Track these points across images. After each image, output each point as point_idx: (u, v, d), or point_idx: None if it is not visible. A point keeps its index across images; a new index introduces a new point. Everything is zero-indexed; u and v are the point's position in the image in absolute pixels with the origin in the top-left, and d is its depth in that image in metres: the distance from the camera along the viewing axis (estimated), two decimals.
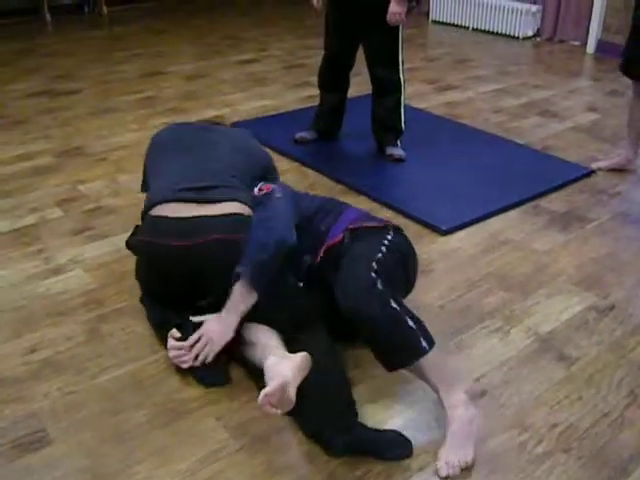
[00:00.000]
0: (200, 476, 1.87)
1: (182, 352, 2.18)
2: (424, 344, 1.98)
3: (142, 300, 2.52)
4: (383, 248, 2.22)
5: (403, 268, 2.30)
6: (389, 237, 2.31)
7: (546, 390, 2.21)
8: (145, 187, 2.68)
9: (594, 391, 2.21)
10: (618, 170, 3.85)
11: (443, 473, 1.86)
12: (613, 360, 2.35)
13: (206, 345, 2.15)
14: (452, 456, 1.89)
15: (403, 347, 1.99)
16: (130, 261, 2.73)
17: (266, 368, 1.97)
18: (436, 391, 2.01)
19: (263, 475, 1.88)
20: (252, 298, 2.16)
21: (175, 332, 2.23)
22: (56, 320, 2.53)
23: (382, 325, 1.99)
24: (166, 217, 2.29)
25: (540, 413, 2.11)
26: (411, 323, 2.00)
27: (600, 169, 3.88)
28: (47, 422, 2.05)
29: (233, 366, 2.27)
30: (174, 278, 2.27)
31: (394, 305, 2.01)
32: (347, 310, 2.05)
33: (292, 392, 1.87)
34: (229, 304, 2.16)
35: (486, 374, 2.27)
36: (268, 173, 2.73)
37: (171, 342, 2.21)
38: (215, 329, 2.15)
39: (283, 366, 1.92)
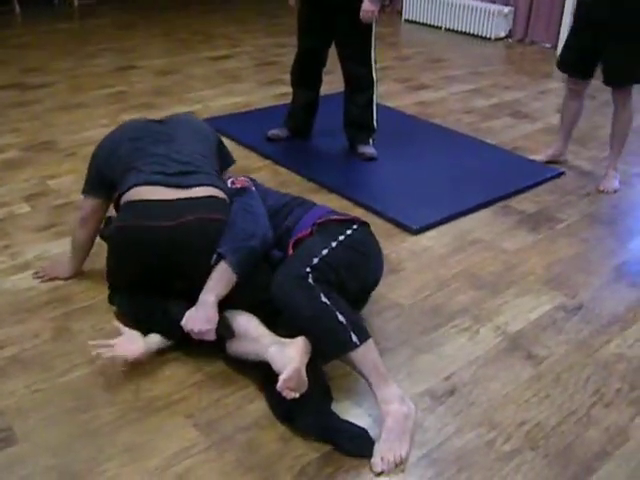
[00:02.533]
0: (169, 474, 1.86)
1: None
2: (354, 338, 2.01)
3: (111, 299, 2.49)
4: (334, 243, 2.25)
5: (360, 263, 2.31)
6: (348, 232, 2.33)
7: (514, 389, 2.23)
8: (94, 188, 2.57)
9: (561, 390, 2.23)
10: (553, 162, 4.02)
11: (377, 469, 1.88)
12: (580, 359, 2.38)
13: (203, 333, 2.15)
14: (387, 452, 1.91)
15: (331, 340, 2.04)
16: (98, 258, 2.71)
17: (272, 357, 2.03)
18: (369, 385, 2.03)
19: (233, 473, 1.87)
20: (232, 281, 2.18)
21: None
22: (23, 317, 2.49)
23: (309, 318, 2.05)
24: (147, 200, 2.28)
25: (508, 411, 2.13)
26: (341, 318, 2.03)
27: (540, 160, 4.02)
28: (13, 420, 2.02)
29: (201, 366, 2.27)
30: (155, 260, 2.25)
31: (324, 300, 2.05)
32: (276, 301, 2.13)
33: (304, 375, 1.94)
34: (208, 285, 2.17)
35: (455, 372, 2.29)
36: (221, 150, 2.75)
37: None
38: (201, 317, 2.14)
39: (289, 352, 1.99)
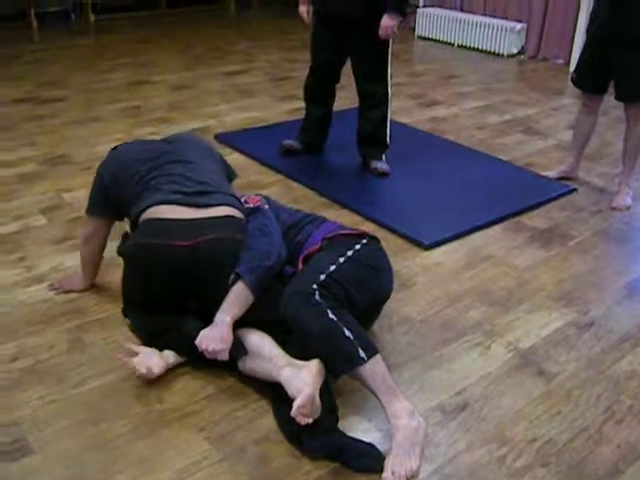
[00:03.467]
0: None
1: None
2: (362, 354, 2.02)
3: (125, 312, 2.52)
4: (342, 259, 2.27)
5: (369, 277, 2.32)
6: (357, 247, 2.35)
7: (525, 405, 2.23)
8: (99, 208, 2.60)
9: (573, 406, 2.23)
10: (564, 178, 4.02)
11: None
12: (592, 376, 2.38)
13: (217, 353, 2.15)
14: (398, 466, 1.90)
15: (339, 356, 2.04)
16: (112, 271, 2.75)
17: (285, 380, 2.02)
18: (379, 400, 2.03)
19: None
20: (249, 301, 2.20)
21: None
22: (38, 329, 2.52)
23: (316, 334, 2.06)
24: (165, 219, 2.31)
25: (519, 427, 2.13)
26: (348, 333, 2.04)
27: (550, 178, 4.02)
28: (28, 431, 2.04)
29: (213, 379, 2.28)
30: (172, 279, 2.26)
31: (331, 316, 2.07)
32: (286, 318, 2.14)
33: (318, 400, 1.94)
34: (225, 305, 2.18)
35: (466, 388, 2.29)
36: (225, 166, 2.77)
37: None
38: (216, 337, 2.14)
39: (303, 377, 1.98)
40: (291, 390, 1.98)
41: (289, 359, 2.11)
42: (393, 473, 1.89)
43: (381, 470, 1.92)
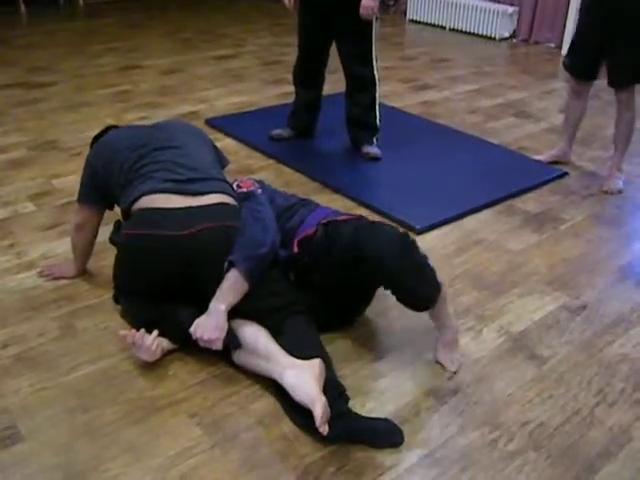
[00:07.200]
0: (173, 473, 1.87)
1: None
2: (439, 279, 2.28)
3: (116, 299, 2.50)
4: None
5: None
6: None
7: (517, 389, 2.23)
8: (90, 196, 2.58)
9: (564, 390, 2.24)
10: (556, 162, 4.03)
11: (453, 368, 2.29)
12: (583, 360, 2.38)
13: (211, 342, 2.13)
14: (449, 355, 2.32)
15: (431, 285, 2.26)
16: (103, 257, 2.73)
17: (291, 386, 1.99)
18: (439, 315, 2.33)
19: (237, 472, 1.88)
20: (243, 290, 2.17)
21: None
22: (28, 315, 2.50)
23: (419, 273, 2.24)
24: (158, 209, 2.27)
25: (511, 411, 2.13)
26: (431, 264, 2.28)
27: (541, 161, 4.02)
28: (18, 419, 2.03)
29: (205, 365, 2.27)
30: (166, 269, 2.24)
31: (421, 253, 2.27)
32: (396, 272, 2.20)
33: (326, 402, 1.92)
34: (219, 293, 2.16)
35: (459, 372, 2.29)
36: (216, 152, 2.74)
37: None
38: (210, 325, 2.12)
39: (307, 380, 1.95)
40: (299, 396, 1.95)
41: (286, 358, 2.07)
42: (451, 361, 2.33)
43: (402, 442, 1.97)
